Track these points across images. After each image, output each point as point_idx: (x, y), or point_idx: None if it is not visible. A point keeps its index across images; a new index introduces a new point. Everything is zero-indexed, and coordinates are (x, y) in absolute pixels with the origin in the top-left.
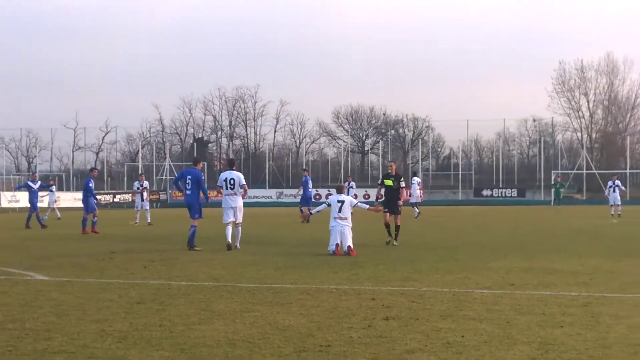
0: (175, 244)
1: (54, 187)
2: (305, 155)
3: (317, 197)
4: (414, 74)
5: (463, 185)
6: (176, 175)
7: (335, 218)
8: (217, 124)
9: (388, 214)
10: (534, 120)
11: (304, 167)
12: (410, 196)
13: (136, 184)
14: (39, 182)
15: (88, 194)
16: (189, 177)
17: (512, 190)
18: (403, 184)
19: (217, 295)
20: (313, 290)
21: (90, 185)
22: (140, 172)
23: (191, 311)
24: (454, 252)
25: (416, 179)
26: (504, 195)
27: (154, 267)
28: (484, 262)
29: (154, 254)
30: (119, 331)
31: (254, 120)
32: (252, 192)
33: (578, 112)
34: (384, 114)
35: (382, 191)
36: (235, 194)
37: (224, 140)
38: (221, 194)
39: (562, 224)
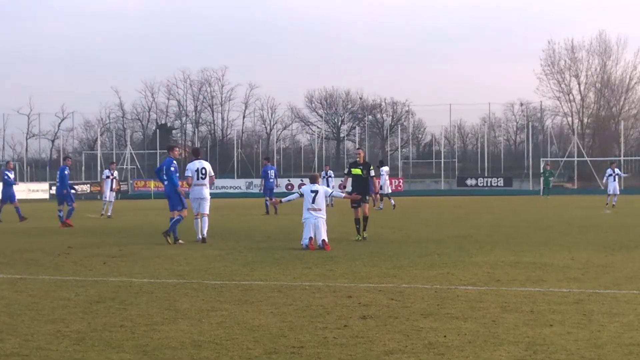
0: (137, 238)
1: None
2: (277, 142)
3: (290, 187)
4: (392, 54)
5: (446, 174)
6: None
7: (308, 209)
8: (181, 109)
9: (358, 209)
10: (522, 104)
11: (266, 155)
12: (380, 188)
13: (106, 172)
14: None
15: (64, 184)
16: (164, 167)
17: (498, 179)
18: (373, 173)
19: (182, 293)
20: (285, 288)
21: (67, 173)
22: (111, 161)
23: (154, 310)
24: (436, 246)
25: (385, 169)
26: (489, 184)
27: (114, 263)
28: (468, 257)
29: (114, 249)
30: (76, 332)
31: (221, 105)
32: (219, 182)
33: (568, 95)
34: (361, 98)
35: (349, 181)
36: (205, 185)
37: (189, 127)
38: (189, 185)
39: (552, 215)
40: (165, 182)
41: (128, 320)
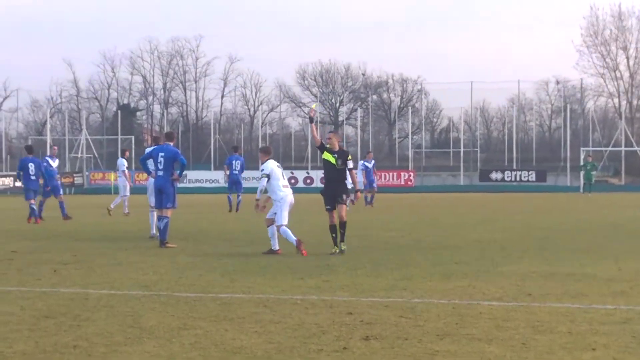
0: (94, 241)
1: None
2: (262, 126)
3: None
4: (401, 22)
5: (466, 166)
6: (145, 153)
7: (283, 187)
8: (147, 86)
9: (333, 212)
10: (558, 83)
11: (234, 144)
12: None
13: (123, 162)
14: (57, 159)
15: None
16: (161, 154)
17: (530, 173)
18: (351, 164)
19: (148, 308)
20: (272, 302)
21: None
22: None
23: (114, 328)
24: (454, 254)
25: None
26: (518, 179)
27: (67, 271)
28: (493, 266)
29: (67, 254)
30: (22, 353)
31: (195, 82)
32: (192, 174)
33: (615, 72)
34: (364, 75)
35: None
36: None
37: (157, 108)
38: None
39: (594, 216)
40: (160, 173)
41: (83, 340)
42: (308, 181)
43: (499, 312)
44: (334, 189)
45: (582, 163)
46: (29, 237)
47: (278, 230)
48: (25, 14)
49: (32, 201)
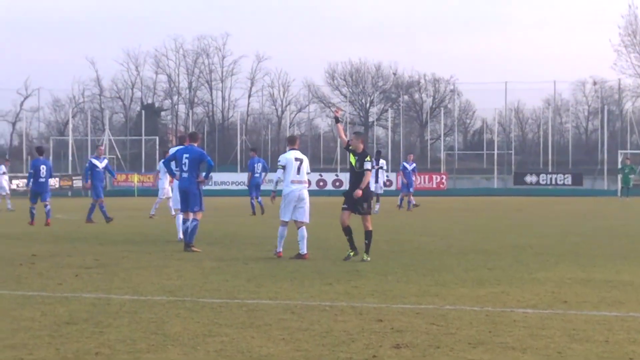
0: (117, 244)
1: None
2: (290, 127)
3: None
4: (434, 20)
5: (500, 169)
6: (169, 155)
7: (292, 182)
8: (172, 85)
9: (347, 211)
10: (595, 83)
11: (253, 146)
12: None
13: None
14: (105, 159)
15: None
16: (185, 155)
17: (565, 176)
18: (368, 165)
19: (172, 314)
20: (299, 308)
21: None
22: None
23: (138, 335)
24: (487, 259)
25: (383, 162)
26: (554, 182)
27: (89, 276)
28: (527, 272)
29: (89, 258)
30: None
31: (222, 82)
32: (218, 176)
33: None
34: (395, 74)
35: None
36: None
37: (182, 108)
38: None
39: (632, 222)
40: (184, 175)
41: (105, 347)
42: (337, 184)
43: (534, 320)
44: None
45: (619, 166)
46: (50, 240)
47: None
48: (46, 10)
49: (33, 206)
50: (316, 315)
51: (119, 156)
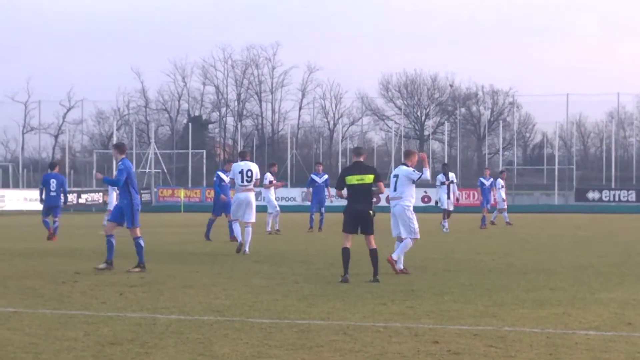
0: (163, 262)
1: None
2: (342, 141)
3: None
4: (492, 30)
5: (561, 184)
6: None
7: (394, 198)
8: (220, 97)
9: (351, 234)
10: None
11: (318, 160)
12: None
13: (269, 176)
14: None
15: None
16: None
17: (629, 192)
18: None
19: (220, 335)
20: (352, 329)
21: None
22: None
23: (184, 356)
24: (548, 279)
25: (452, 175)
26: (617, 199)
27: (134, 295)
28: (590, 293)
29: (134, 276)
30: None
31: (272, 93)
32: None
33: None
34: (451, 86)
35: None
36: (251, 189)
37: (230, 120)
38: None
39: None
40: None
41: None
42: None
43: (597, 343)
44: (359, 209)
45: None
46: (93, 257)
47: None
48: (90, 19)
49: (46, 219)
50: (369, 337)
51: (165, 170)
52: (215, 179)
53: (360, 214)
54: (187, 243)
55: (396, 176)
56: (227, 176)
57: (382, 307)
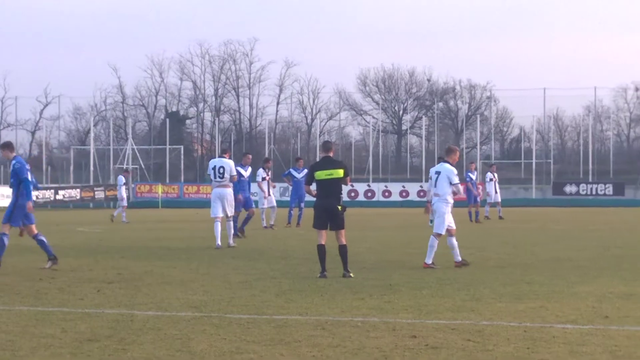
0: (141, 258)
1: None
2: (320, 136)
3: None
4: (469, 24)
5: (538, 178)
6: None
7: (435, 194)
8: (198, 93)
9: (324, 230)
10: (637, 89)
11: (298, 154)
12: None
13: (261, 172)
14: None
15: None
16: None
17: (606, 185)
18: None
19: (198, 330)
20: (330, 324)
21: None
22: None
23: (162, 352)
24: (526, 272)
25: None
26: (594, 192)
27: (111, 291)
28: (567, 286)
29: (111, 272)
30: None
31: (249, 89)
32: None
33: None
34: (429, 80)
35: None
36: (226, 185)
37: (208, 116)
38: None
39: None
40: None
41: None
42: (369, 194)
43: (574, 336)
44: (328, 205)
45: None
46: (70, 254)
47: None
48: (67, 15)
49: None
50: (347, 332)
51: (143, 166)
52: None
53: (330, 209)
54: (164, 239)
55: (438, 173)
56: (245, 170)
57: (360, 301)
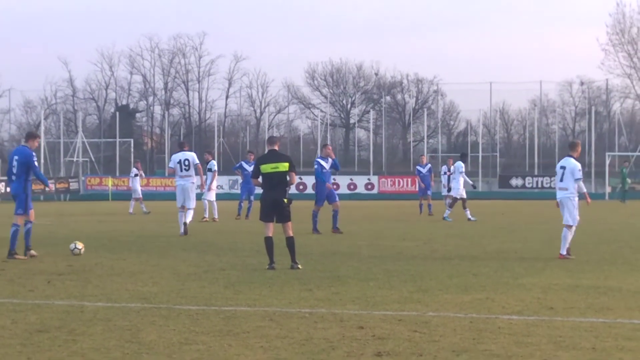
0: (91, 250)
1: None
2: (269, 129)
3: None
4: (417, 19)
5: (484, 171)
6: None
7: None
8: (147, 86)
9: (271, 222)
10: (582, 84)
11: (247, 148)
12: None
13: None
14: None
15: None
16: (15, 157)
17: (552, 179)
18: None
19: (148, 322)
20: (278, 315)
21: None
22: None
23: (112, 343)
24: (472, 264)
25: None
26: (540, 185)
27: (61, 282)
28: (513, 278)
29: (62, 264)
30: None
31: (199, 82)
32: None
33: None
34: (377, 74)
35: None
36: (191, 176)
37: (158, 109)
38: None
39: (620, 226)
40: (13, 178)
41: (79, 355)
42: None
43: (519, 327)
44: (274, 198)
45: (620, 169)
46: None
47: None
48: (16, 7)
49: None
50: (295, 323)
51: (93, 159)
52: (315, 166)
53: (275, 202)
54: (114, 231)
55: (563, 167)
56: (249, 166)
57: (308, 293)
